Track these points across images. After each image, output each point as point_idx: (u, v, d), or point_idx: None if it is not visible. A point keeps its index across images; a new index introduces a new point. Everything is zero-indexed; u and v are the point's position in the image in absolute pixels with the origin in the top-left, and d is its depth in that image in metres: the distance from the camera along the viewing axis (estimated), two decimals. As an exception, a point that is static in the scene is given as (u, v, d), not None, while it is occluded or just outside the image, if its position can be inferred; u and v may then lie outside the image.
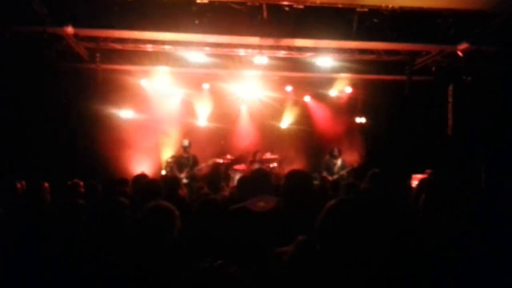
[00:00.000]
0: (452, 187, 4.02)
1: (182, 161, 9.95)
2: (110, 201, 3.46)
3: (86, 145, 10.24)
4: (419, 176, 8.21)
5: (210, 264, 1.82)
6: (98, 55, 9.32)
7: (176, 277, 2.30)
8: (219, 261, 1.85)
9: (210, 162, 10.40)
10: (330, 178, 9.91)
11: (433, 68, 10.18)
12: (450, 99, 10.29)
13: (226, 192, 6.57)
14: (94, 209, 3.49)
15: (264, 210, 3.11)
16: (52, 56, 8.75)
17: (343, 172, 10.10)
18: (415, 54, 9.68)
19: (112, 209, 3.32)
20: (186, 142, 9.99)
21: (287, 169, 9.21)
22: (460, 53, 8.80)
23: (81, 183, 5.97)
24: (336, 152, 10.35)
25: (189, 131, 11.52)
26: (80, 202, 4.00)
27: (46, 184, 5.50)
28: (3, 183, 5.78)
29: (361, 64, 10.48)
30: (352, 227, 1.98)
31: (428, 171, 8.91)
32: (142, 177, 6.20)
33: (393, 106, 11.03)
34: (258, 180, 3.80)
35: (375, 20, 7.75)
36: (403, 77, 10.04)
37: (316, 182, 9.26)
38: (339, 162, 10.27)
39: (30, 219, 3.96)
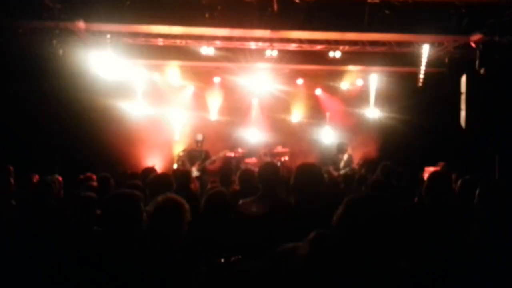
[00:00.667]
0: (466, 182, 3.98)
1: (193, 154, 9.99)
2: (124, 194, 3.45)
3: (98, 139, 10.31)
4: (432, 168, 8.15)
5: (227, 259, 1.82)
6: (109, 49, 9.35)
7: (187, 271, 2.31)
8: (235, 256, 1.85)
9: (221, 154, 10.43)
10: (335, 173, 9.82)
11: (446, 60, 10.05)
12: (463, 91, 10.15)
13: (237, 186, 6.59)
14: (107, 202, 3.49)
15: (258, 214, 3.11)
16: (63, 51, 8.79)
17: (349, 169, 9.91)
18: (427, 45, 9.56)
19: (126, 202, 3.31)
20: (199, 136, 10.01)
21: (298, 162, 9.18)
22: (473, 44, 8.65)
23: (94, 177, 6.03)
24: (342, 147, 10.23)
25: (200, 125, 11.55)
26: (92, 196, 4.03)
27: (60, 178, 5.58)
28: (19, 176, 5.90)
29: (372, 56, 10.38)
30: (379, 223, 1.95)
31: (441, 163, 8.84)
32: (151, 170, 6.23)
33: (406, 98, 10.94)
34: (266, 174, 3.80)
35: (387, 12, 7.65)
36: (416, 69, 9.92)
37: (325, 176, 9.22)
38: (345, 157, 10.15)
39: (42, 212, 4.00)
